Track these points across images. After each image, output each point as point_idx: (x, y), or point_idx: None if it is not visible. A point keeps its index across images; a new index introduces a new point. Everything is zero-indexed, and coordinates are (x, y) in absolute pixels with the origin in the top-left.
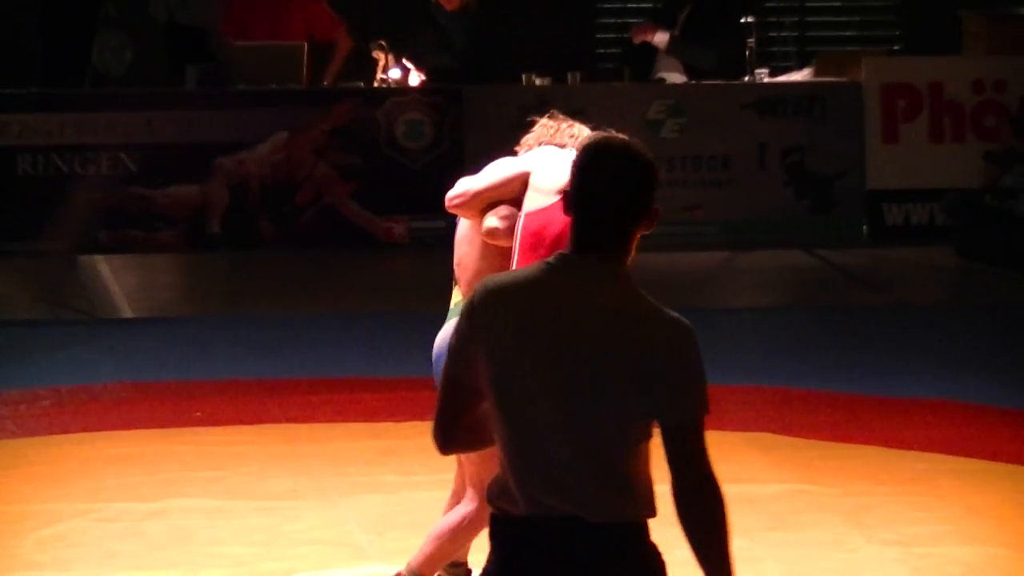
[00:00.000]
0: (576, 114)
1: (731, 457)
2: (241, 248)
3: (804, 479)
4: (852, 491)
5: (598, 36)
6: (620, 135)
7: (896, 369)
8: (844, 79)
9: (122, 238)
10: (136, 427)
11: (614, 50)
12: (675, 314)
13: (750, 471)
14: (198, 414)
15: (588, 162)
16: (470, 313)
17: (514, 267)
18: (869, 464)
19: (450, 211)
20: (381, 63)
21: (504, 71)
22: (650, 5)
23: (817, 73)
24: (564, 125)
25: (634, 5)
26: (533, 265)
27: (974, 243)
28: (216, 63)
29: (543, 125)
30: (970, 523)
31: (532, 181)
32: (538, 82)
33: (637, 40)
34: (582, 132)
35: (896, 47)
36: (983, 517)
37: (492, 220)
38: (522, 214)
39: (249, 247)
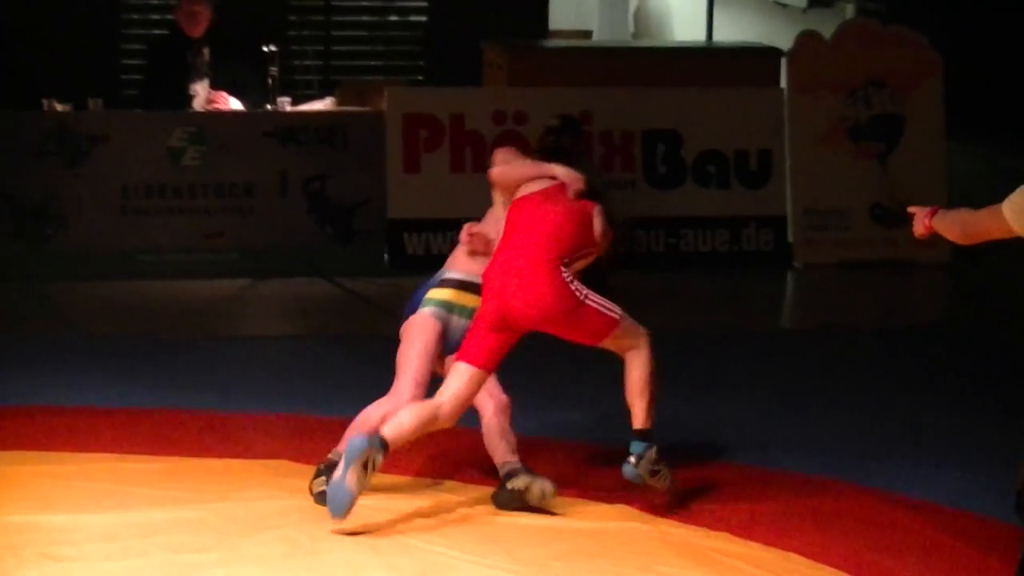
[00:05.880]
0: (98, 141)
1: (251, 482)
2: None
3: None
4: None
5: (122, 62)
6: None
7: None
8: (366, 109)
9: None
10: None
11: (136, 76)
12: None
13: (268, 493)
14: None
15: None
16: None
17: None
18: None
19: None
20: None
21: (24, 97)
22: (168, 32)
23: (339, 102)
24: None
25: (159, 32)
26: None
27: None
28: None
29: None
30: None
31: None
32: (59, 108)
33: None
34: None
35: (420, 78)
36: None
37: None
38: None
39: None
